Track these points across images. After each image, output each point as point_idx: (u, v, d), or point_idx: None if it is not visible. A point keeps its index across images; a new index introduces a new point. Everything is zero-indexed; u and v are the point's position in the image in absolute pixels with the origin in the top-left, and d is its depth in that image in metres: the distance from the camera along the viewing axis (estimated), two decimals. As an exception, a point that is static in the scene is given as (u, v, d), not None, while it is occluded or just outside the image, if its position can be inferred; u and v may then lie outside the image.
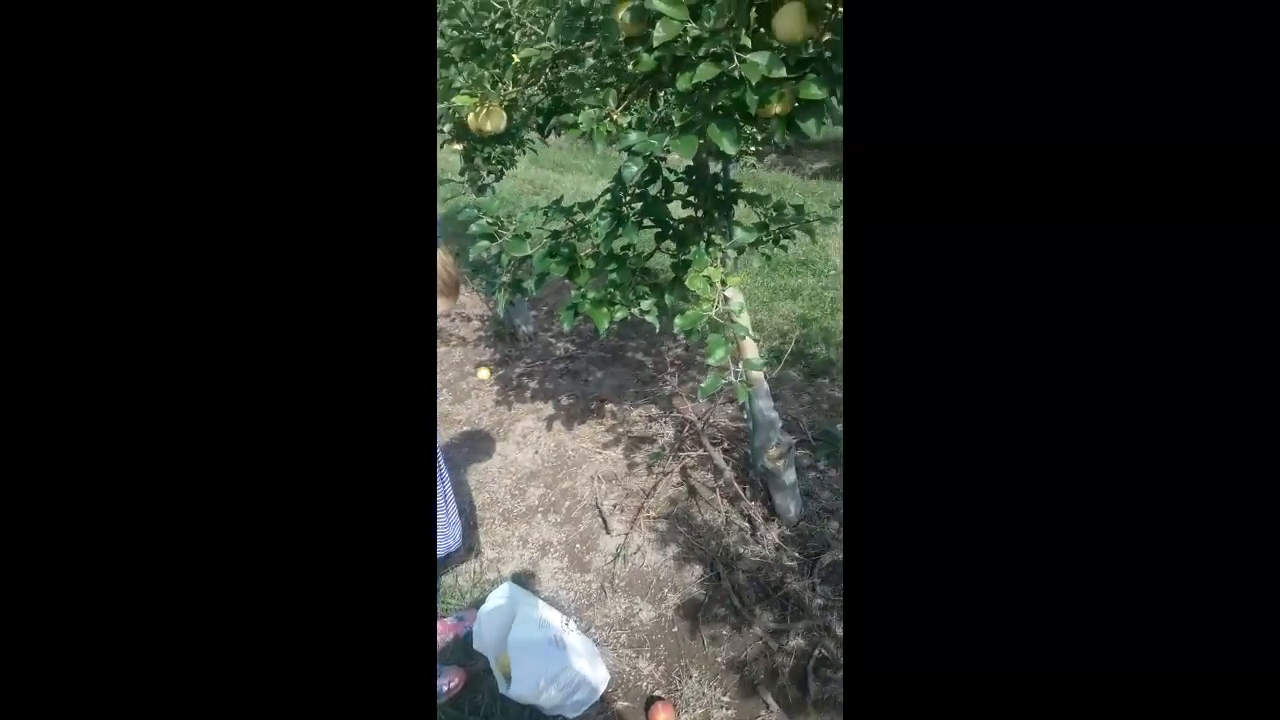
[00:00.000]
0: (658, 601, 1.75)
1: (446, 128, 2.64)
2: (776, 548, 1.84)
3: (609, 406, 2.67)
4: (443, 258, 1.31)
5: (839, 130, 1.10)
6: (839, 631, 1.61)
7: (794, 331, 3.12)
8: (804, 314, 3.35)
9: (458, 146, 2.85)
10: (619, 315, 1.56)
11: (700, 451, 2.08)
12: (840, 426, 2.34)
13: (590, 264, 1.64)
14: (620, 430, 2.49)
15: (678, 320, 1.26)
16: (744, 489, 1.98)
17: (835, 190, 5.85)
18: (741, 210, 1.78)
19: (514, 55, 1.49)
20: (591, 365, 3.05)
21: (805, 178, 6.66)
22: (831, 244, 4.15)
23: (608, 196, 1.66)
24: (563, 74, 1.46)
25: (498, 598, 1.62)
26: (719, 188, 1.63)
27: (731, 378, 1.28)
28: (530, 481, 2.25)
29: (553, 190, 6.21)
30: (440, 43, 1.62)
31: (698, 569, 1.82)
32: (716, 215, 1.57)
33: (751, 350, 1.54)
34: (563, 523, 2.05)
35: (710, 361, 1.26)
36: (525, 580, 1.83)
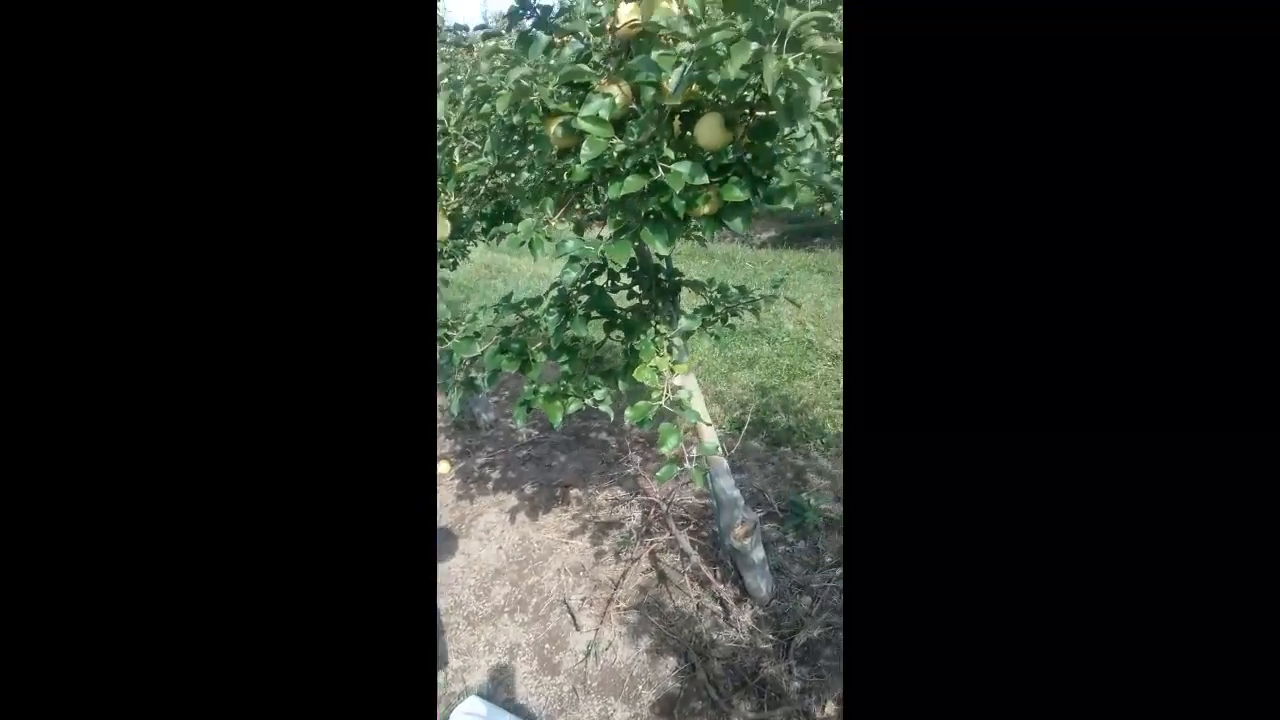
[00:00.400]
0: (632, 700, 1.68)
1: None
2: (751, 630, 1.80)
3: (574, 492, 2.64)
4: None
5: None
6: (818, 715, 1.56)
7: (753, 401, 3.16)
8: (762, 382, 3.40)
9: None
10: (572, 407, 1.57)
11: (668, 535, 2.06)
12: (805, 495, 2.35)
13: (541, 357, 1.66)
14: (586, 517, 2.45)
15: (628, 413, 1.27)
16: (713, 570, 1.95)
17: (785, 258, 6.08)
18: (688, 293, 1.84)
19: (455, 168, 1.56)
20: (555, 450, 3.03)
21: (755, 247, 6.91)
22: (784, 311, 4.28)
23: (555, 292, 1.71)
24: (501, 184, 1.52)
25: (463, 714, 1.54)
26: (661, 277, 1.68)
27: (687, 464, 1.29)
28: (495, 579, 2.18)
29: (509, 273, 6.33)
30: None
31: (672, 661, 1.76)
32: (660, 304, 1.62)
33: (708, 435, 1.55)
34: (530, 621, 1.98)
35: (663, 450, 1.27)
36: (493, 690, 1.75)
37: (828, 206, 1.71)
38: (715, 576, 1.92)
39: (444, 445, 3.20)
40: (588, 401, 1.62)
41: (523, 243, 1.26)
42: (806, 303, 4.58)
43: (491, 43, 1.44)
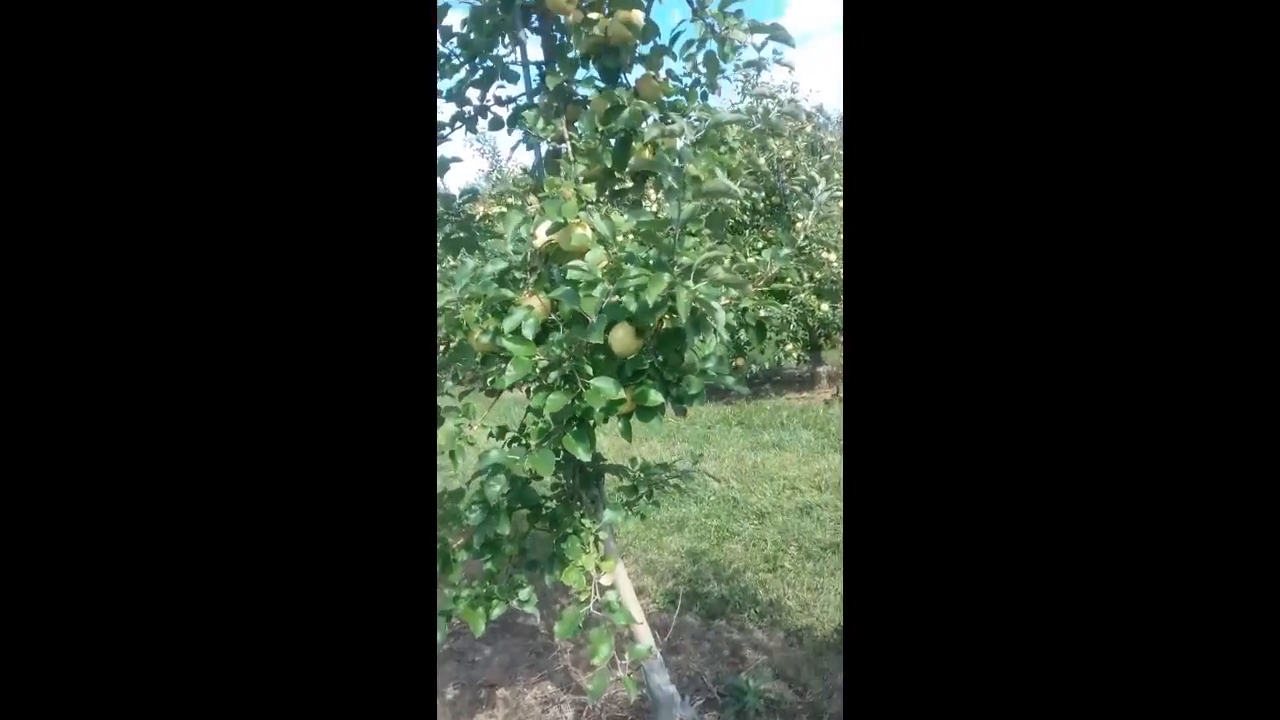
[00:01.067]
0: None
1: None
2: None
3: (500, 693, 2.41)
4: None
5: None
6: None
7: (685, 569, 3.10)
8: (692, 547, 3.36)
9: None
10: (496, 611, 1.49)
11: (603, 742, 1.89)
12: (744, 676, 2.25)
13: (462, 555, 1.59)
14: (515, 721, 2.23)
15: (557, 627, 1.23)
16: (656, 778, 1.79)
17: (703, 413, 6.25)
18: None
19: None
20: (478, 642, 2.80)
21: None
22: (708, 467, 4.34)
23: (476, 486, 1.68)
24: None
25: None
26: (583, 465, 1.70)
27: (620, 673, 1.23)
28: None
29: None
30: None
31: None
32: (584, 492, 1.62)
33: (642, 635, 1.50)
34: None
35: (594, 661, 1.21)
36: None
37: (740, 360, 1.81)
38: (658, 786, 1.76)
39: (353, 645, 2.90)
40: (512, 604, 1.55)
41: (442, 451, 1.27)
42: (728, 458, 4.67)
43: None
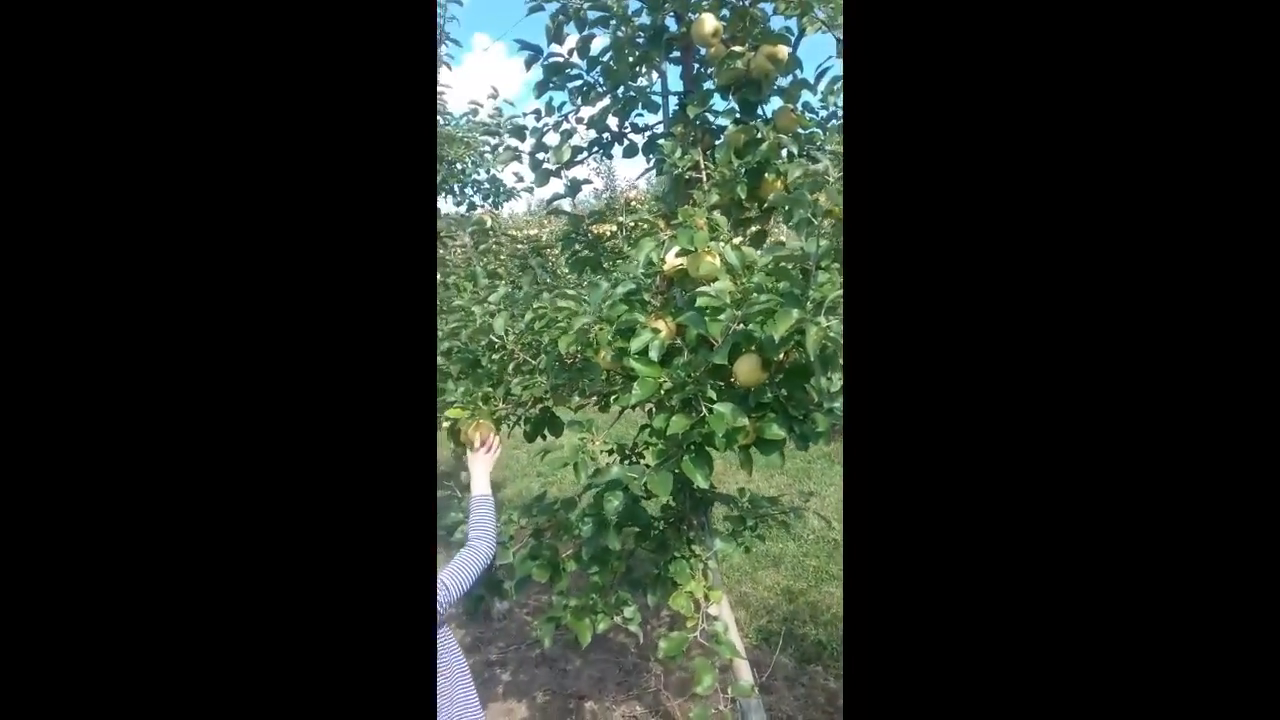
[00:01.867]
0: None
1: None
2: None
3: (589, 705, 2.44)
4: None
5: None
6: None
7: (780, 606, 3.01)
8: (788, 585, 3.26)
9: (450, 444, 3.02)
10: (602, 625, 1.52)
11: (691, 773, 1.86)
12: (841, 728, 2.14)
13: (571, 566, 1.64)
14: (601, 737, 2.25)
15: (662, 645, 1.23)
16: (743, 820, 1.74)
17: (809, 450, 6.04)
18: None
19: (500, 379, 1.67)
20: (569, 651, 2.85)
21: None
22: (811, 504, 4.20)
23: (589, 499, 1.73)
24: (548, 398, 1.62)
25: None
26: (695, 490, 1.70)
27: (722, 708, 1.21)
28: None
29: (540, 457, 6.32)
30: (440, 360, 1.81)
31: None
32: (694, 518, 1.63)
33: (744, 672, 1.47)
34: None
35: (698, 690, 1.20)
36: None
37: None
38: (745, 829, 1.70)
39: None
40: (616, 619, 1.57)
41: (566, 463, 1.32)
42: (829, 497, 4.50)
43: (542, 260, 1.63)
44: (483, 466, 1.52)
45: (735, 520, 1.85)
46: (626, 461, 1.47)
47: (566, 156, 1.93)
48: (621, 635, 2.96)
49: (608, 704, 2.45)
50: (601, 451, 1.41)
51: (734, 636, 1.46)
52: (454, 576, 1.34)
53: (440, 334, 2.10)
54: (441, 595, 1.31)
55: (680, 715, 2.10)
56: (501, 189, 3.59)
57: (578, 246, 2.07)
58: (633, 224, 1.90)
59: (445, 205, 3.59)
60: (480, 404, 1.57)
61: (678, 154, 1.57)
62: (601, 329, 1.23)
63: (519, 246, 2.86)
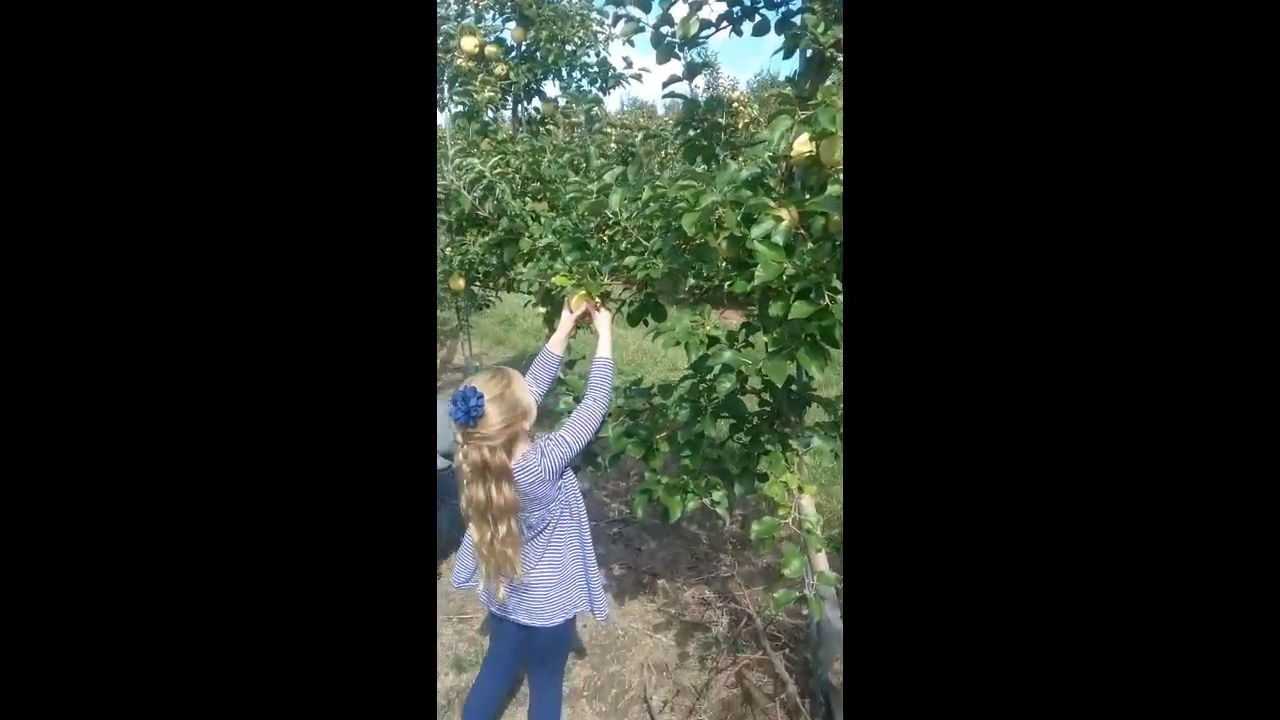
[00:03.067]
0: (704, 827, 1.58)
1: (533, 290, 2.88)
2: (839, 777, 1.66)
3: (661, 583, 2.60)
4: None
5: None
6: None
7: (856, 519, 3.02)
8: (866, 501, 3.25)
9: (541, 309, 3.10)
10: (691, 504, 1.58)
11: (760, 654, 1.97)
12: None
13: (665, 447, 1.69)
14: (672, 612, 2.40)
15: (755, 527, 1.27)
16: (803, 701, 1.84)
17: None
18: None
19: (611, 256, 1.67)
20: (644, 533, 3.01)
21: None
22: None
23: (687, 384, 1.75)
24: (657, 280, 1.61)
25: None
26: (794, 387, 1.69)
27: (806, 591, 1.25)
28: (576, 660, 2.16)
29: (617, 344, 6.44)
30: (551, 238, 1.83)
31: (750, 792, 1.65)
32: (792, 416, 1.62)
33: (826, 564, 1.51)
34: (608, 713, 1.93)
35: (785, 572, 1.24)
36: (562, 780, 1.70)
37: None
38: (805, 708, 1.81)
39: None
40: (705, 500, 1.63)
41: (678, 343, 1.33)
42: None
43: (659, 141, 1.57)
44: (606, 330, 1.56)
45: (829, 426, 1.83)
46: (741, 348, 1.46)
47: (693, 30, 1.81)
48: (694, 525, 3.09)
49: (679, 584, 2.59)
50: (712, 337, 1.41)
51: (820, 531, 1.49)
52: (573, 432, 1.44)
53: (553, 212, 2.11)
54: (563, 449, 1.40)
55: (750, 602, 2.20)
56: (610, 73, 3.46)
57: (693, 133, 1.99)
58: (757, 110, 1.80)
59: (552, 89, 3.52)
60: (590, 277, 1.58)
61: (820, 28, 1.44)
62: (726, 210, 1.19)
63: (626, 131, 2.78)
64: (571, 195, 1.68)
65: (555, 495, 1.45)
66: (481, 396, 1.32)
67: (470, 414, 1.29)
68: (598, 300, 1.59)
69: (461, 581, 1.56)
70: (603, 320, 1.59)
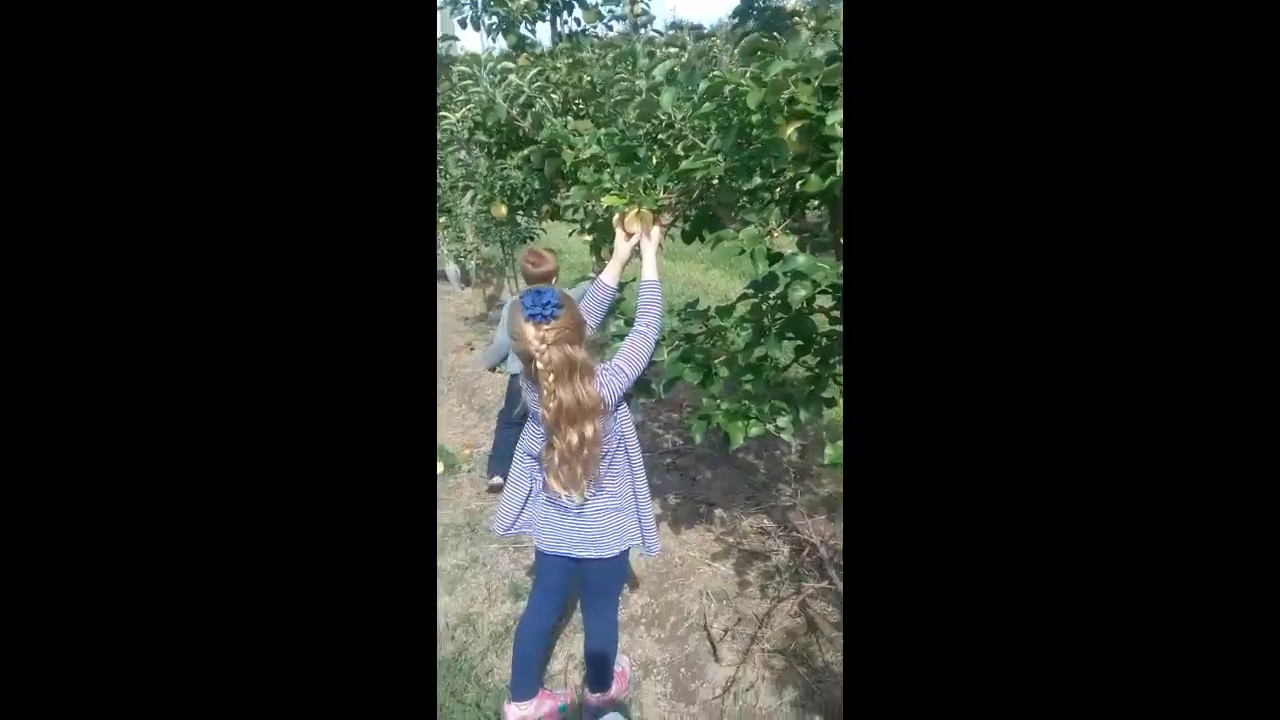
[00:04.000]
0: (770, 754, 1.55)
1: (579, 216, 2.74)
2: (911, 709, 1.60)
3: (718, 512, 2.54)
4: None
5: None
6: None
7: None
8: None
9: (588, 237, 2.97)
10: (754, 431, 1.47)
11: (825, 583, 1.90)
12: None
13: (724, 372, 1.58)
14: (730, 541, 2.35)
15: (828, 452, 1.15)
16: (872, 631, 1.77)
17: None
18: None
19: (665, 164, 1.51)
20: (700, 464, 2.95)
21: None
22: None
23: (747, 304, 1.62)
24: (715, 185, 1.45)
25: (597, 726, 1.48)
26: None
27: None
28: (631, 589, 2.14)
29: (698, 287, 6.24)
30: (596, 149, 1.68)
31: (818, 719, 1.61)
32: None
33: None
34: (667, 640, 1.91)
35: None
36: (623, 708, 1.69)
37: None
38: (874, 638, 1.74)
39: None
40: (769, 427, 1.52)
41: (743, 251, 1.19)
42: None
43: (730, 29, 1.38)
44: (652, 251, 1.44)
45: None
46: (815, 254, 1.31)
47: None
48: (750, 455, 3.01)
49: (736, 514, 2.53)
50: (778, 245, 1.26)
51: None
52: (629, 360, 1.35)
53: (595, 122, 1.96)
54: (619, 379, 1.32)
55: (814, 531, 2.12)
56: (655, -26, 3.17)
57: (751, 25, 1.78)
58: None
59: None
60: (641, 191, 1.44)
61: None
62: (799, 86, 1.02)
63: (674, 33, 2.54)
64: (619, 98, 1.52)
65: (612, 426, 1.37)
66: (555, 292, 1.24)
67: (547, 309, 1.21)
68: (655, 216, 1.45)
69: (505, 528, 1.50)
70: (649, 241, 1.47)
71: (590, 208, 1.96)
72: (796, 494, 2.57)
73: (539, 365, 1.23)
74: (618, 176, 1.51)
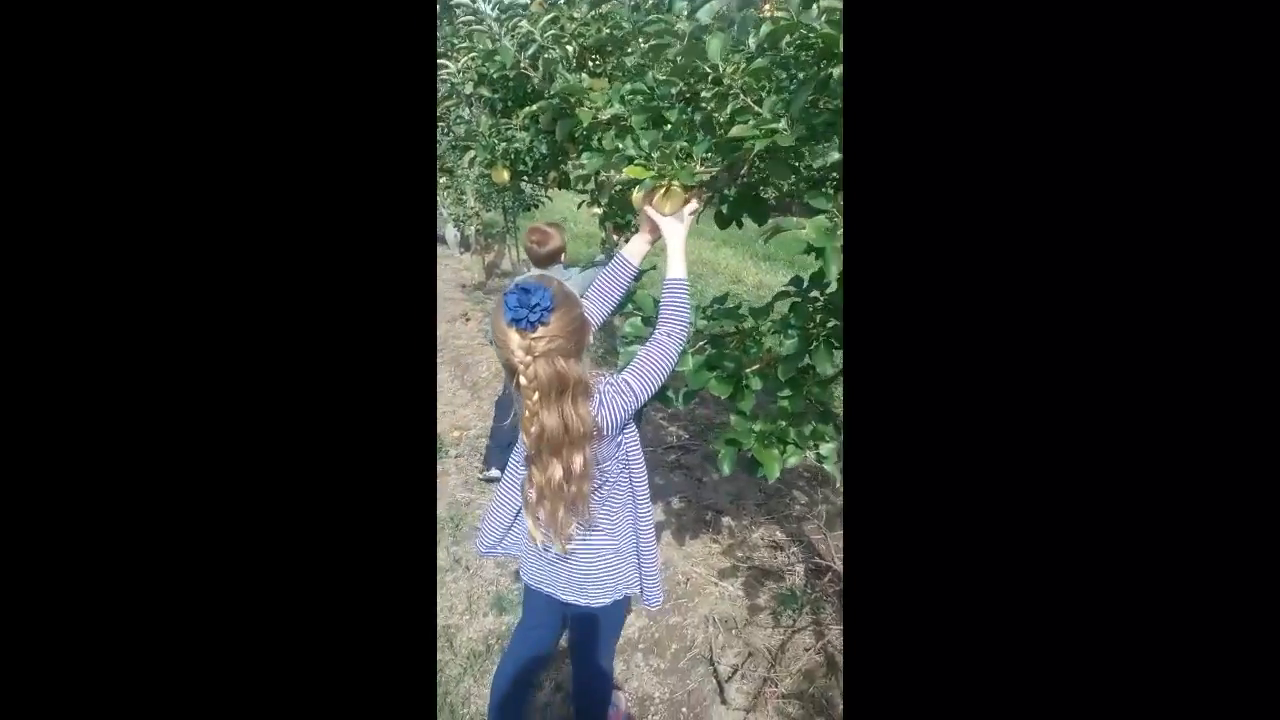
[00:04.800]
0: (783, 822, 1.36)
1: (590, 188, 2.44)
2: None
3: (726, 521, 2.33)
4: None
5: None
6: None
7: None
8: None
9: (598, 210, 2.69)
10: (793, 460, 1.24)
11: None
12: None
13: (757, 383, 1.34)
14: (739, 555, 2.14)
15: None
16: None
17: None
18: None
19: (703, 131, 1.25)
20: (706, 462, 2.73)
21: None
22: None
23: (787, 303, 1.37)
24: (764, 160, 1.19)
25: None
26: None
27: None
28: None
29: (707, 267, 5.94)
30: (618, 107, 1.41)
31: (837, 784, 1.42)
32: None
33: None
34: (668, 672, 1.70)
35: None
36: (618, 752, 1.49)
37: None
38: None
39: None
40: (809, 454, 1.29)
41: (809, 250, 0.94)
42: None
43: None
44: (679, 241, 1.18)
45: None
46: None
47: None
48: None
49: (745, 523, 2.32)
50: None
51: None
52: (642, 376, 1.08)
53: (617, 79, 1.68)
54: (625, 400, 1.06)
55: (832, 551, 1.91)
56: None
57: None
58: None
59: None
60: (675, 162, 1.18)
61: None
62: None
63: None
64: (655, 42, 1.25)
65: (612, 453, 1.11)
66: (548, 291, 0.96)
67: (534, 312, 0.93)
68: (687, 195, 1.19)
69: (489, 547, 1.26)
70: (674, 227, 1.18)
71: (606, 178, 1.69)
72: (813, 503, 2.36)
73: (522, 381, 0.97)
74: (644, 143, 1.25)
